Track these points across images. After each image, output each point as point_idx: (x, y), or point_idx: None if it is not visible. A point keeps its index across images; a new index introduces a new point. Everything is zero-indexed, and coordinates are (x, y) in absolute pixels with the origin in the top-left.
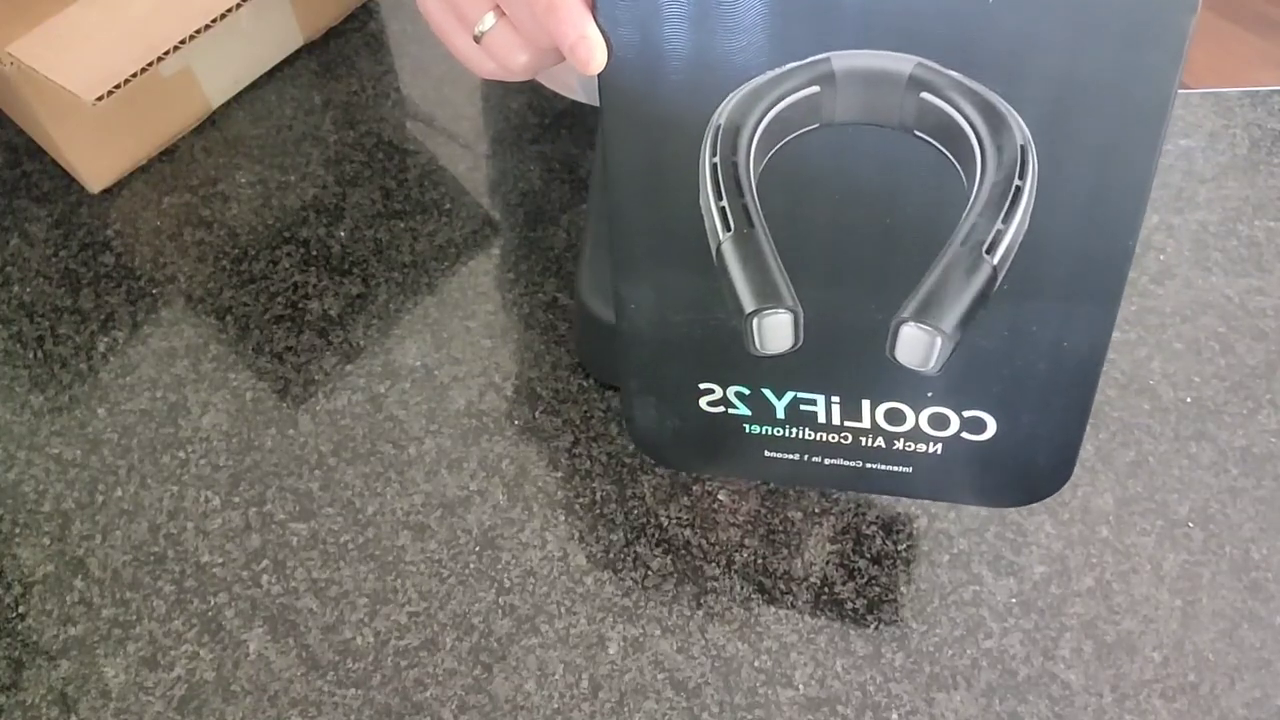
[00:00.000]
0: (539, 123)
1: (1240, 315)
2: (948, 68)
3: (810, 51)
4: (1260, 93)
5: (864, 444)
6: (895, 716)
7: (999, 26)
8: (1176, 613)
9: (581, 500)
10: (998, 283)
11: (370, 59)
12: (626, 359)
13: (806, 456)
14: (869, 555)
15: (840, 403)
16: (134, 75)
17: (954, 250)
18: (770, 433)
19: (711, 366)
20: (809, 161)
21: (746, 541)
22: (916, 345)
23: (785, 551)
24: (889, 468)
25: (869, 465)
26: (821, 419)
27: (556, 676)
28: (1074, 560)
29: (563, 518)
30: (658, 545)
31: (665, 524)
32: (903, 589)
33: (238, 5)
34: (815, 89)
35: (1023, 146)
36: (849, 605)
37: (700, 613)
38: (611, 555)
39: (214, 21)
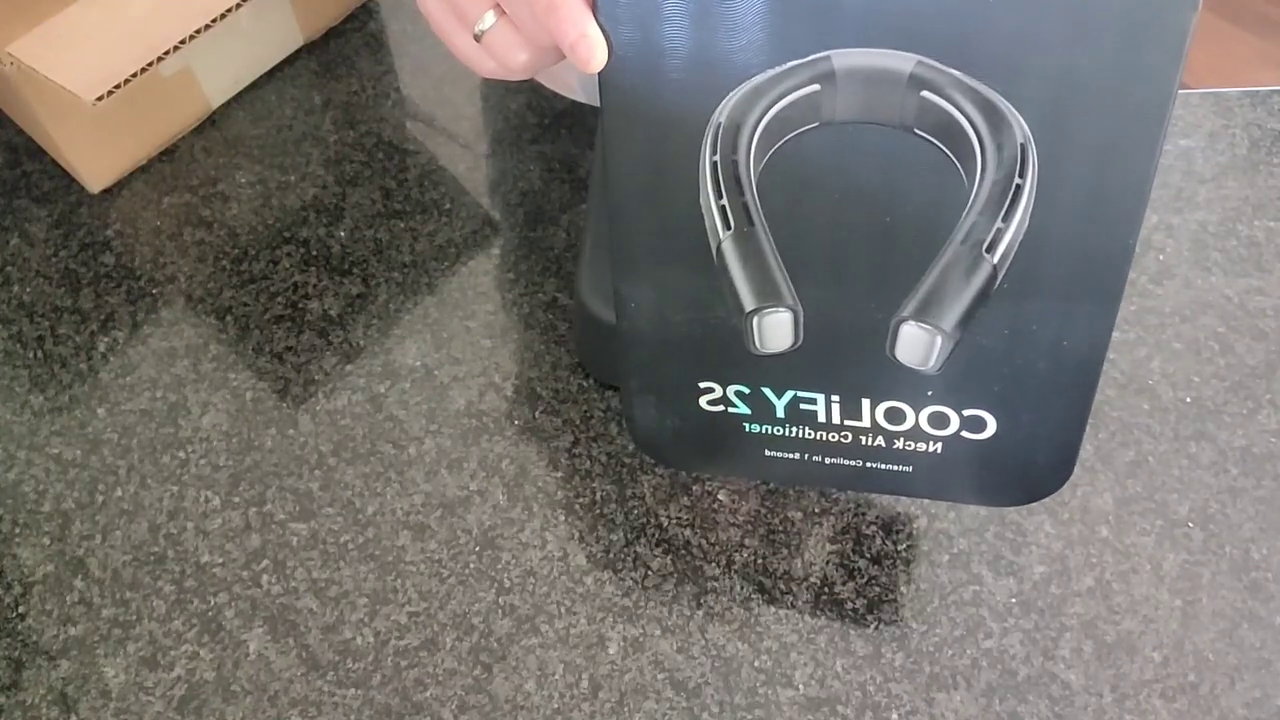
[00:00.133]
0: (539, 123)
1: (1240, 315)
2: (948, 66)
3: (810, 50)
4: (1260, 93)
5: (864, 443)
6: (895, 716)
7: (999, 25)
8: (1176, 613)
9: (581, 500)
10: (998, 281)
11: (370, 59)
12: (626, 358)
13: (807, 456)
14: (869, 555)
15: (840, 402)
16: (134, 75)
17: (954, 249)
18: (770, 432)
19: (711, 365)
20: (809, 160)
21: (746, 541)
22: (916, 344)
23: (785, 551)
24: (889, 467)
25: (869, 465)
26: (821, 418)
27: (556, 676)
28: (1074, 560)
29: (563, 518)
30: (658, 545)
31: (665, 524)
32: (903, 589)
33: (238, 5)
34: (815, 87)
35: (1023, 145)
36: (849, 605)
37: (700, 613)
38: (611, 555)
39: (214, 21)
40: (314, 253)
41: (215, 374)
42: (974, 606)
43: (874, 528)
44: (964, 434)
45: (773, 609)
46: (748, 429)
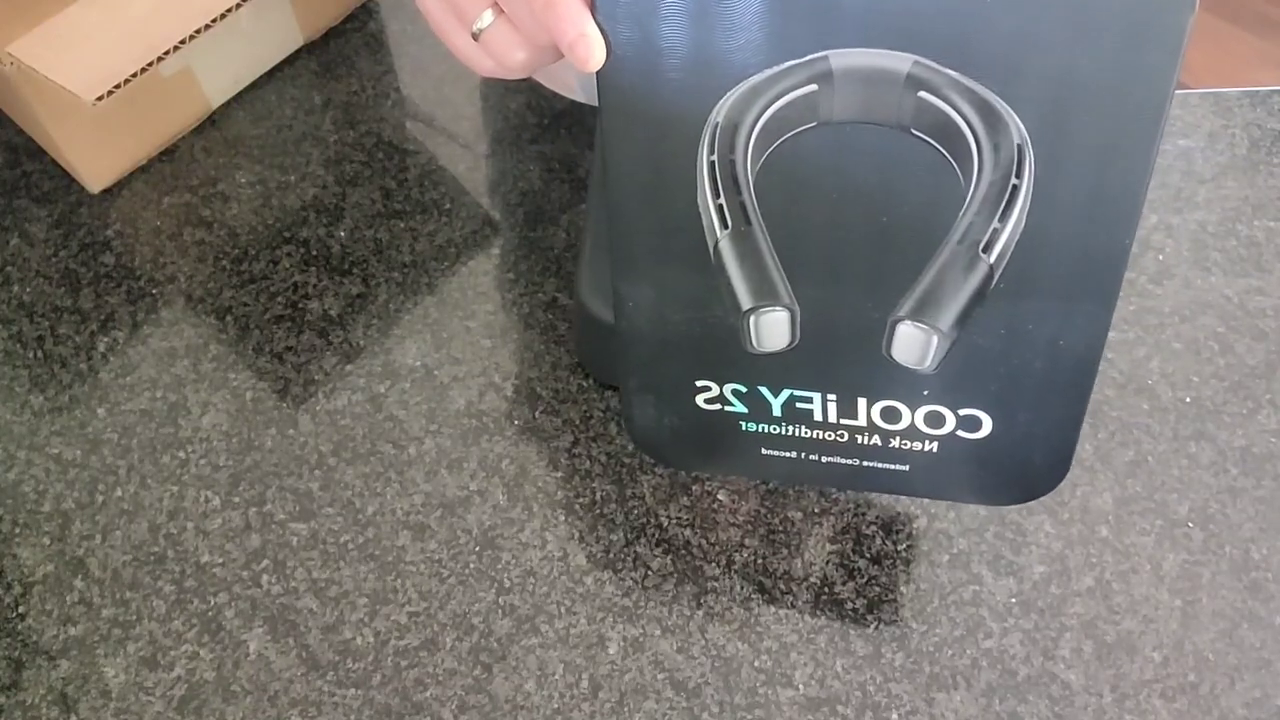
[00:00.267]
0: (538, 123)
1: (1240, 315)
2: (946, 67)
3: (808, 50)
4: (1260, 93)
5: (860, 442)
6: (895, 716)
7: (997, 26)
8: (1176, 613)
9: (581, 500)
10: (994, 281)
11: (370, 59)
12: (625, 357)
13: (803, 455)
14: (869, 555)
15: (836, 401)
16: (134, 75)
17: (950, 249)
18: (767, 431)
19: (709, 364)
20: (806, 160)
21: (746, 541)
22: (913, 344)
23: (785, 551)
24: (886, 466)
25: (866, 464)
26: (818, 417)
27: (556, 676)
28: (1074, 560)
29: (563, 518)
30: (658, 545)
31: (665, 524)
32: (903, 589)
33: (238, 5)
34: (813, 87)
35: (1020, 145)
36: (849, 605)
37: (700, 613)
38: (611, 555)
39: (214, 21)
40: (314, 253)
41: (215, 374)
42: (974, 606)
43: (874, 528)
44: (960, 433)
45: (773, 609)
46: (744, 428)
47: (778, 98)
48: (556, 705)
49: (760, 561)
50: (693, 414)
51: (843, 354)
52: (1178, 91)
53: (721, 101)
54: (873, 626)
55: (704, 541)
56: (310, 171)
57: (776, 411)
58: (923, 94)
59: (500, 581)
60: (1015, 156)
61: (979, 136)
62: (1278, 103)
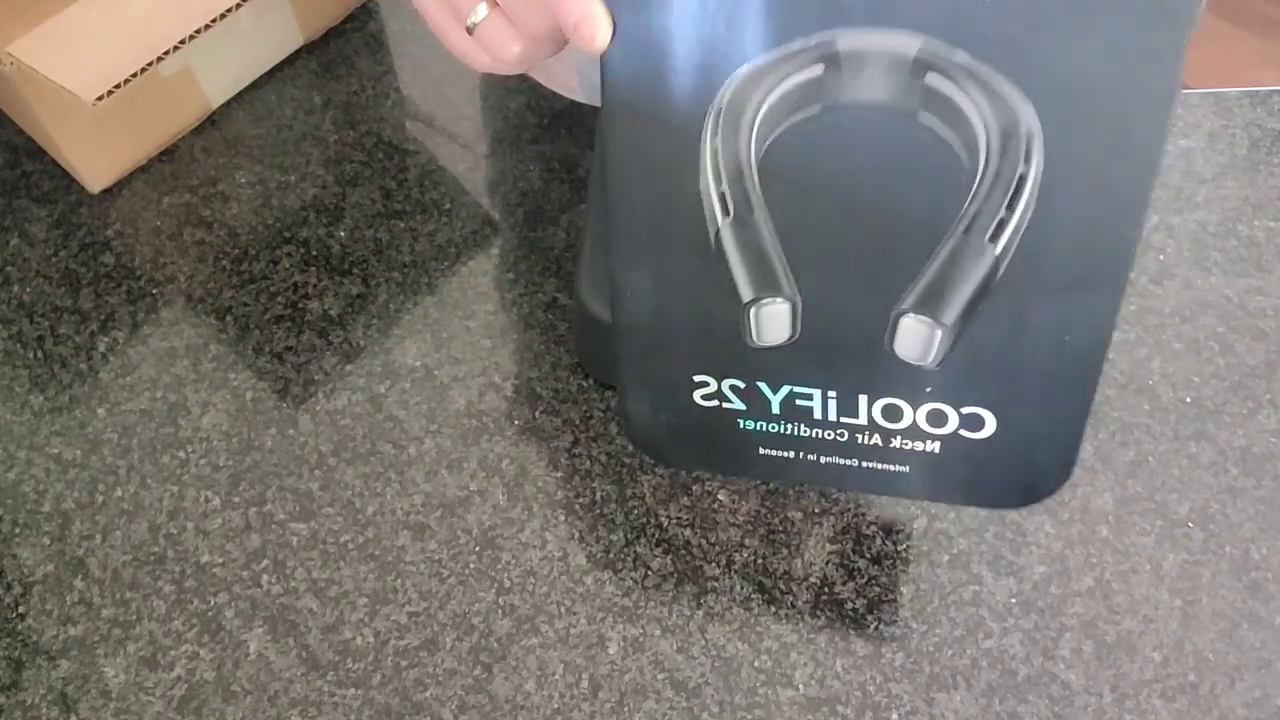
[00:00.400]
0: (538, 123)
1: (1240, 315)
2: (955, 49)
3: (814, 31)
4: (1260, 93)
5: (860, 442)
6: (895, 716)
7: (1007, 6)
8: (1176, 613)
9: (581, 500)
10: (1000, 272)
11: (370, 59)
12: (622, 350)
13: (802, 454)
14: (869, 555)
15: (837, 398)
16: (134, 75)
17: (956, 238)
18: (765, 429)
19: (707, 358)
20: (810, 148)
21: (746, 541)
22: (916, 338)
23: (785, 551)
24: (886, 467)
25: (865, 464)
26: (817, 415)
27: (556, 676)
28: (1074, 560)
29: (563, 518)
30: (658, 545)
31: (665, 524)
32: (903, 589)
33: (238, 5)
34: (819, 69)
35: (1028, 131)
36: (849, 605)
37: (700, 613)
38: (611, 555)
39: (214, 21)
40: (314, 253)
41: (215, 374)
42: (974, 606)
43: (874, 528)
44: (962, 433)
45: (773, 609)
46: (742, 426)
47: (783, 80)
48: (556, 705)
49: (760, 561)
50: (690, 411)
51: (844, 348)
52: None
53: (726, 84)
54: (873, 626)
55: (704, 541)
56: (310, 171)
57: (775, 409)
58: (930, 77)
59: (500, 581)
60: (1023, 142)
61: (987, 121)
62: (1278, 103)
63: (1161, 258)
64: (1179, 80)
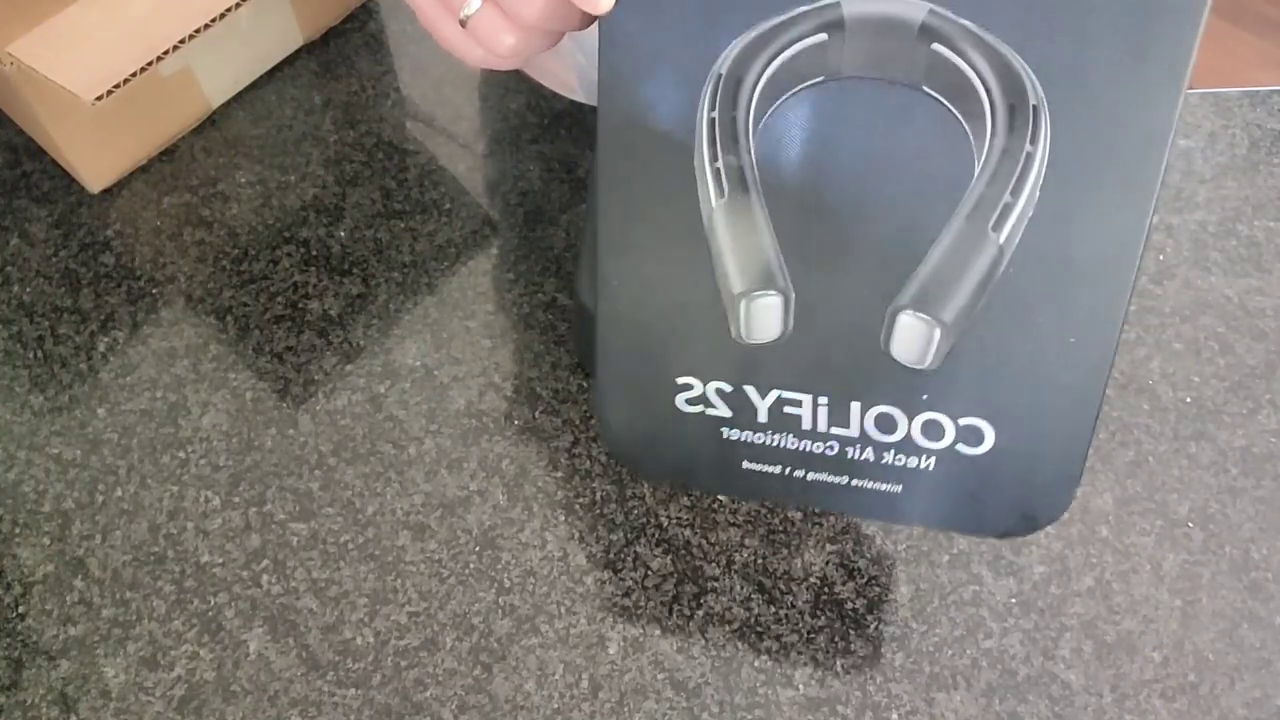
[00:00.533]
0: (538, 123)
1: (1240, 315)
2: (962, 17)
3: None
4: (1260, 93)
5: (851, 456)
6: (895, 716)
7: None
8: (1176, 613)
9: (581, 500)
10: (1004, 264)
11: (370, 59)
12: (603, 345)
13: (788, 470)
14: (869, 555)
15: (828, 405)
16: (134, 75)
17: (958, 226)
18: (750, 440)
19: (692, 357)
20: (808, 124)
21: (746, 541)
22: (913, 337)
23: (785, 551)
24: (877, 485)
25: (855, 482)
26: (806, 424)
27: (556, 676)
28: (1074, 560)
29: (563, 518)
30: (658, 545)
31: (665, 524)
32: (903, 589)
33: (238, 5)
34: (823, 37)
35: (1035, 107)
36: (849, 605)
37: (700, 613)
38: (611, 555)
39: (214, 21)
40: (314, 253)
41: (215, 374)
42: (974, 606)
43: (874, 527)
44: (960, 447)
45: (773, 609)
46: (726, 435)
47: (786, 47)
48: (556, 705)
49: (760, 561)
50: (671, 417)
51: (838, 348)
52: None
53: (727, 51)
54: (873, 626)
55: (704, 541)
56: (310, 171)
57: (762, 417)
58: (936, 46)
59: (500, 581)
60: (1030, 119)
61: (993, 94)
62: (1278, 103)
63: (1161, 258)
64: (1190, 63)
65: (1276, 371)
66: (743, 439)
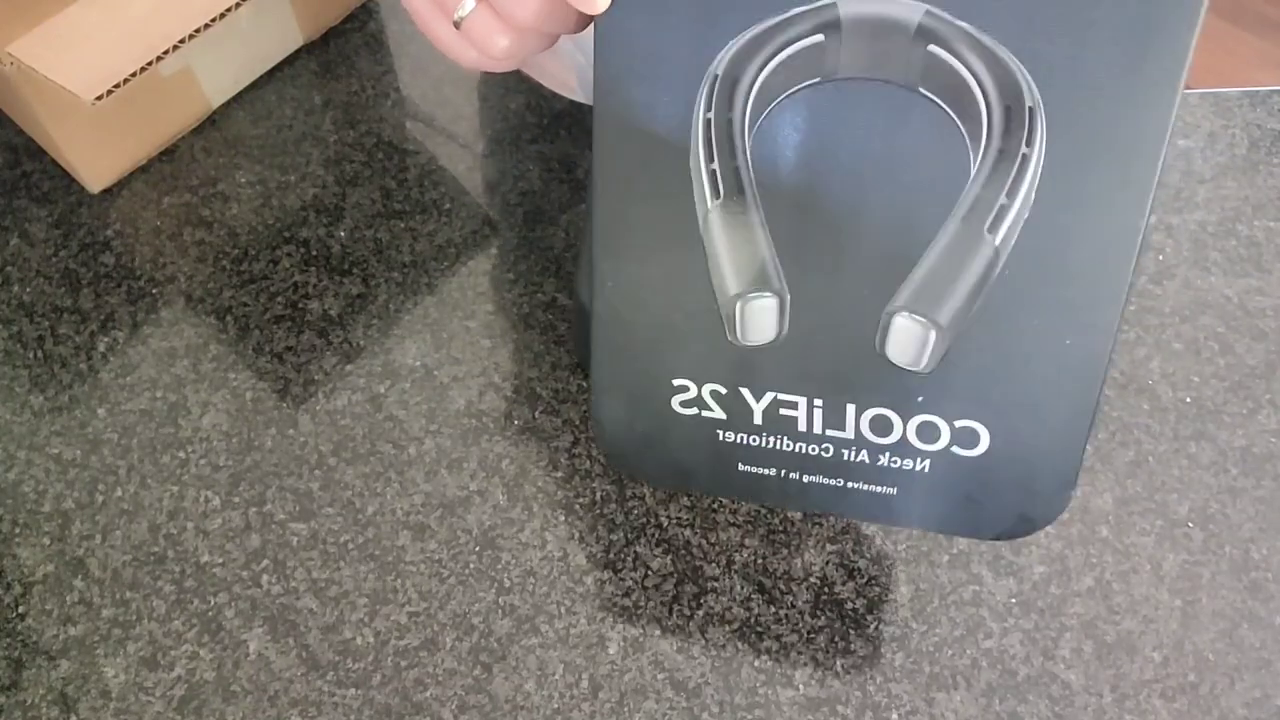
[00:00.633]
0: (538, 123)
1: (1240, 315)
2: (958, 18)
3: None
4: (1259, 93)
5: (846, 459)
6: (895, 716)
7: None
8: (1176, 613)
9: (581, 500)
10: (999, 266)
11: (370, 59)
12: (598, 347)
13: (783, 473)
14: (869, 555)
15: (823, 407)
16: (134, 75)
17: (954, 227)
18: (745, 442)
19: (687, 359)
20: (803, 125)
21: (746, 541)
22: (908, 339)
23: (785, 551)
24: (872, 488)
25: (851, 484)
26: (802, 426)
27: (556, 676)
28: (1074, 560)
29: (563, 518)
30: (658, 545)
31: (665, 524)
32: (902, 589)
33: (237, 5)
34: (819, 38)
35: (1031, 109)
36: (849, 605)
37: (700, 613)
38: (611, 555)
39: (214, 21)
40: (314, 253)
41: (215, 374)
42: (974, 606)
43: (874, 528)
44: (955, 449)
45: (773, 609)
46: (721, 437)
47: (782, 48)
48: (556, 705)
49: (760, 561)
50: (667, 419)
51: (833, 351)
52: None
53: (723, 52)
54: (873, 626)
55: (704, 541)
56: (310, 171)
57: (757, 419)
58: (932, 48)
59: (500, 581)
60: (1026, 121)
61: (989, 95)
62: (1278, 103)
63: (1161, 258)
64: (1187, 63)
65: (1276, 371)
66: (738, 441)
